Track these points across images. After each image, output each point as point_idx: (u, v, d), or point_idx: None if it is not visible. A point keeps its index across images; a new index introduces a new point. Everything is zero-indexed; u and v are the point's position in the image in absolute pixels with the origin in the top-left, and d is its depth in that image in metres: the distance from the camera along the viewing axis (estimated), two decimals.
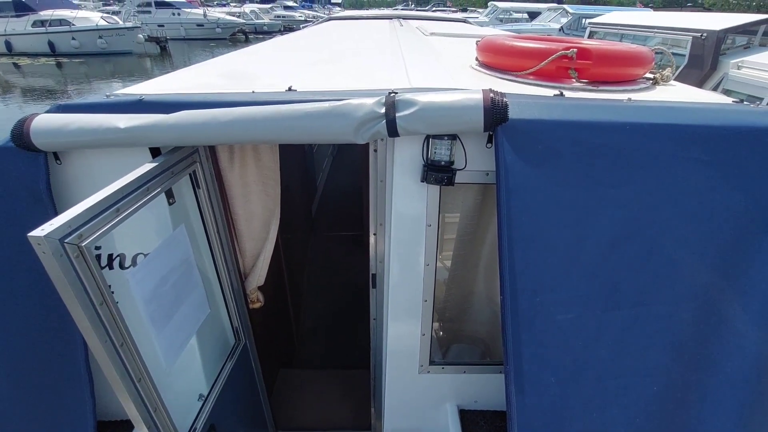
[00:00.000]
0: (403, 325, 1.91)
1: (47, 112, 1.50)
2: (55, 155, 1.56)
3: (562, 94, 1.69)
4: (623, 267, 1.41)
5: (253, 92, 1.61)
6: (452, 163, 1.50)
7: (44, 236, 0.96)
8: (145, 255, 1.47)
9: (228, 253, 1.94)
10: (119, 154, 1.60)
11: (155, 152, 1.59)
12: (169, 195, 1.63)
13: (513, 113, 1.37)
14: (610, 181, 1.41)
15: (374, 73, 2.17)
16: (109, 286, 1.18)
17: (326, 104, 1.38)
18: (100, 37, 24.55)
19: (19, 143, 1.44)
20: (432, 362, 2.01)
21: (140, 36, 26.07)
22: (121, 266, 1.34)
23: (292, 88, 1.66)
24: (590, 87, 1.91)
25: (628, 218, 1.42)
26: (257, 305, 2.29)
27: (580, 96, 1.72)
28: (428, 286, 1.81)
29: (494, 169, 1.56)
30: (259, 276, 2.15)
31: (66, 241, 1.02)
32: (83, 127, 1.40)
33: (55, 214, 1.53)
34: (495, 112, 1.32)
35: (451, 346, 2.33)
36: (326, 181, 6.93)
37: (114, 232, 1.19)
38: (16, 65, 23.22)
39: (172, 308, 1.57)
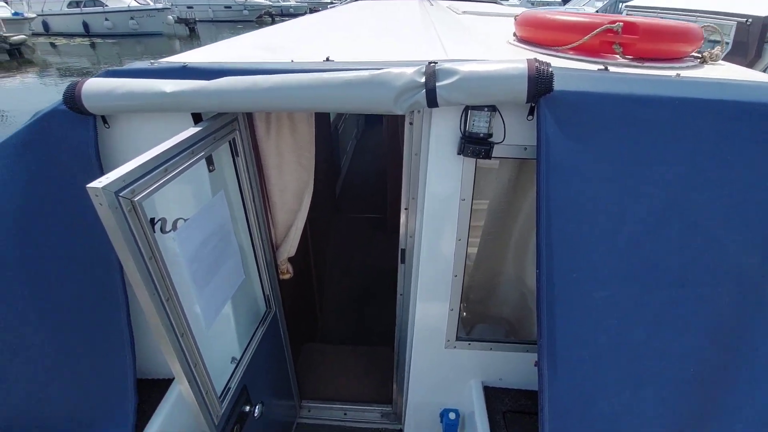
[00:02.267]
0: (431, 299, 1.92)
1: (96, 76, 1.55)
2: (104, 119, 1.61)
3: (606, 69, 1.64)
4: (664, 247, 1.38)
5: (292, 61, 1.62)
6: (490, 135, 1.48)
7: (102, 188, 1.01)
8: (185, 220, 1.52)
9: (262, 222, 1.99)
10: (163, 120, 1.64)
11: (197, 119, 1.63)
12: (210, 162, 1.67)
13: (557, 85, 1.34)
14: (656, 158, 1.37)
15: (409, 47, 2.14)
16: (156, 242, 1.23)
17: (366, 73, 1.38)
18: (132, 18, 25.07)
19: (71, 106, 1.50)
20: (459, 338, 2.02)
21: (170, 17, 26.50)
22: (162, 230, 1.39)
23: (330, 59, 1.66)
24: (635, 63, 1.83)
25: (672, 197, 1.38)
26: (287, 276, 2.35)
27: (626, 72, 1.66)
28: (459, 262, 1.81)
29: (533, 143, 1.53)
30: (290, 247, 2.19)
31: (121, 194, 1.07)
32: (131, 91, 1.45)
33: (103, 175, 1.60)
34: (540, 82, 1.29)
35: (475, 325, 2.34)
36: (350, 164, 6.95)
37: (156, 197, 1.23)
38: (53, 45, 24.01)
39: (212, 271, 1.63)
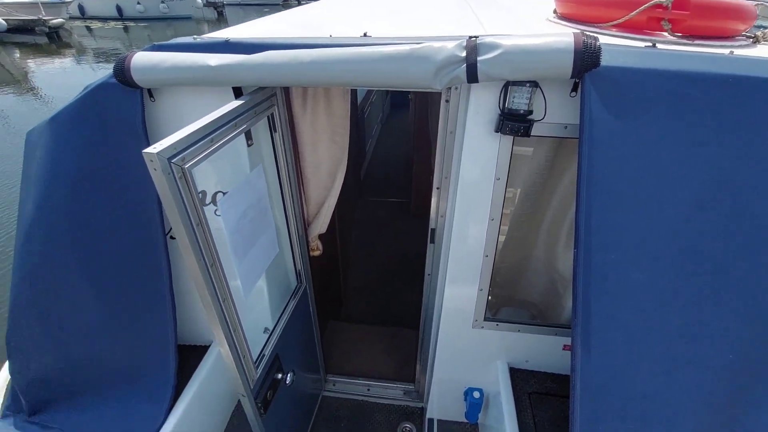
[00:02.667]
0: (460, 279, 1.93)
1: (143, 50, 1.61)
2: (150, 93, 1.67)
3: (654, 46, 1.57)
4: (707, 231, 1.33)
5: (330, 36, 1.63)
6: (530, 112, 1.45)
7: (156, 153, 1.06)
8: (224, 193, 1.58)
9: (296, 198, 2.03)
10: (205, 94, 1.69)
11: (237, 94, 1.67)
12: (249, 136, 1.72)
13: (603, 60, 1.30)
14: (704, 139, 1.32)
15: (446, 23, 2.11)
16: (204, 210, 1.29)
17: (406, 47, 1.37)
18: (162, 2, 25.50)
19: (120, 79, 1.56)
20: (487, 318, 2.03)
21: (199, 1, 26.81)
22: (202, 203, 1.44)
23: (367, 35, 1.66)
24: (685, 41, 1.75)
25: (719, 179, 1.33)
26: (317, 253, 2.40)
27: (675, 49, 1.59)
28: (491, 242, 1.80)
29: (574, 121, 1.50)
30: (321, 224, 2.23)
31: (172, 161, 1.12)
32: (177, 65, 1.49)
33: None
34: (586, 56, 1.25)
35: (500, 308, 2.34)
36: (375, 148, 6.95)
37: (198, 170, 1.27)
38: (88, 28, 24.74)
39: (250, 242, 1.69)
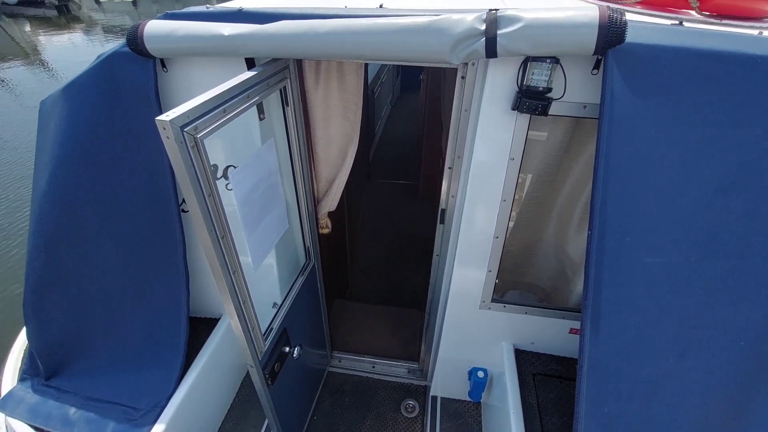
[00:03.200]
0: (470, 259, 1.93)
1: (156, 19, 1.58)
2: (162, 63, 1.66)
3: (681, 24, 1.51)
4: (727, 215, 1.31)
5: (345, 7, 1.58)
6: (549, 90, 1.42)
7: (169, 121, 1.05)
8: (236, 167, 1.57)
9: (306, 174, 2.02)
10: (217, 65, 1.67)
11: (250, 66, 1.64)
12: (260, 110, 1.70)
13: (628, 36, 1.25)
14: (730, 121, 1.28)
15: None
16: (215, 180, 1.28)
17: (424, 19, 1.33)
18: None
19: (133, 47, 1.54)
20: (494, 299, 2.04)
21: None
22: (214, 176, 1.44)
23: (383, 6, 1.61)
24: (713, 20, 1.69)
25: (742, 163, 1.29)
26: (326, 231, 2.40)
27: (702, 28, 1.53)
28: (501, 223, 1.79)
29: (593, 101, 1.46)
30: (331, 201, 2.23)
31: (185, 130, 1.11)
32: (190, 34, 1.47)
33: None
34: (611, 31, 1.20)
35: (507, 291, 2.33)
36: (384, 129, 6.89)
37: (210, 142, 1.26)
38: (97, 1, 24.50)
39: (260, 216, 1.69)
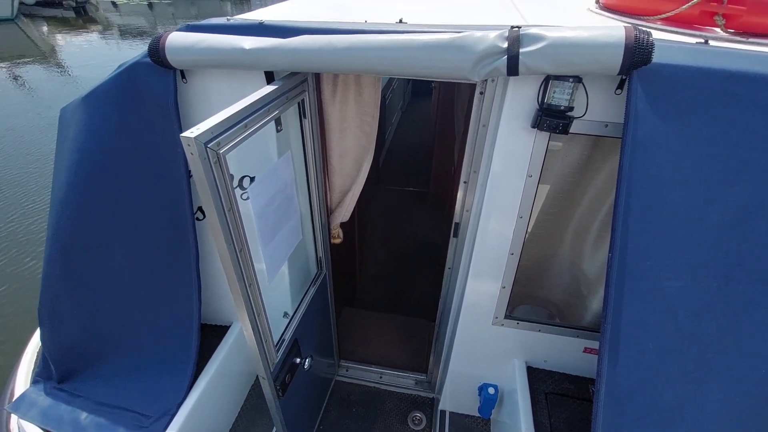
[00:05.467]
0: (484, 274, 1.91)
1: (177, 30, 1.60)
2: (182, 74, 1.67)
3: (707, 43, 1.49)
4: (753, 240, 1.28)
5: (365, 22, 1.59)
6: (571, 109, 1.40)
7: (194, 138, 1.05)
8: (252, 178, 1.58)
9: (321, 186, 2.02)
10: (236, 78, 1.68)
11: (269, 79, 1.65)
12: (278, 123, 1.71)
13: (654, 56, 1.23)
14: (757, 143, 1.25)
15: (483, 12, 2.04)
16: (235, 194, 1.29)
17: (446, 35, 1.33)
18: None
19: (155, 58, 1.55)
20: (507, 316, 2.01)
21: None
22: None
23: (403, 21, 1.61)
24: (739, 38, 1.66)
25: None
26: (337, 241, 2.40)
27: (728, 47, 1.51)
28: (517, 240, 1.77)
29: (615, 120, 1.44)
30: (345, 212, 2.23)
31: (208, 146, 1.11)
32: (212, 46, 1.48)
33: (180, 129, 1.67)
34: (637, 52, 1.19)
35: (518, 306, 2.31)
36: (394, 136, 6.89)
37: (230, 153, 1.27)
38: (114, 3, 24.95)
39: (275, 229, 1.69)
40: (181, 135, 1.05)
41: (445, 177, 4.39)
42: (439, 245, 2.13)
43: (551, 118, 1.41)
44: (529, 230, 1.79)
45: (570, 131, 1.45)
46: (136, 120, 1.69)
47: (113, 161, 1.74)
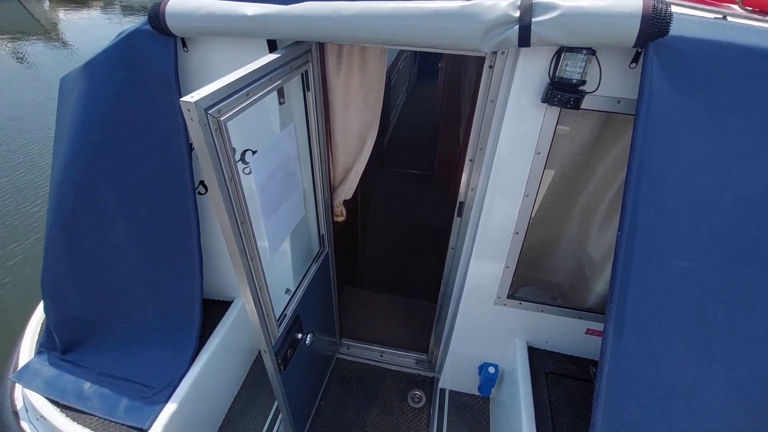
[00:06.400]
0: (487, 254, 1.89)
1: None
2: (183, 42, 1.63)
3: (725, 19, 1.43)
4: (766, 222, 1.25)
5: None
6: (583, 83, 1.36)
7: (194, 102, 1.02)
8: (254, 152, 1.55)
9: (324, 162, 1.99)
10: (238, 47, 1.63)
11: (272, 48, 1.60)
12: (281, 94, 1.67)
13: (671, 29, 1.18)
14: None
15: None
16: (237, 165, 1.26)
17: (455, 3, 1.28)
18: None
19: (155, 25, 1.51)
20: (510, 296, 2.00)
21: None
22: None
23: None
24: (756, 15, 1.60)
25: None
26: (340, 219, 2.38)
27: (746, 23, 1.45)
28: (523, 219, 1.75)
29: (628, 96, 1.40)
30: (348, 189, 2.20)
31: (209, 112, 1.08)
32: (213, 13, 1.43)
33: (180, 97, 1.64)
34: (655, 22, 1.14)
35: (520, 287, 2.30)
36: (398, 118, 6.80)
37: (230, 126, 1.23)
38: None
39: (277, 203, 1.67)
40: (181, 100, 1.02)
41: (450, 160, 4.34)
42: (442, 228, 2.11)
43: (562, 92, 1.37)
44: (534, 209, 1.76)
45: (581, 107, 1.40)
46: (136, 90, 1.66)
47: (113, 133, 1.72)
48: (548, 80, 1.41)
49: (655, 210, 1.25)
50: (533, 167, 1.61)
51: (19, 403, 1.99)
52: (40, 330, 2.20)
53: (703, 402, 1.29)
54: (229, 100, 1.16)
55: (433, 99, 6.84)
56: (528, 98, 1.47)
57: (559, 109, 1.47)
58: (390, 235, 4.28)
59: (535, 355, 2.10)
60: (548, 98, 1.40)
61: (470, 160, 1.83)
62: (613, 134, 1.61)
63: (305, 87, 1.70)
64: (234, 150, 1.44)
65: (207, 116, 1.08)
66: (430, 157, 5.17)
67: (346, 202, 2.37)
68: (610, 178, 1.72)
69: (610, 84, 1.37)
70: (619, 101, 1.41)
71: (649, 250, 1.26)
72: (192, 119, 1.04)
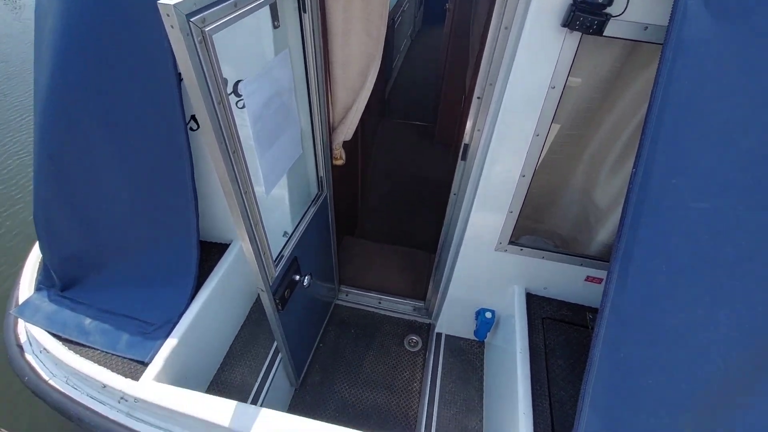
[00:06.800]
0: (491, 198, 1.83)
1: None
2: None
3: None
4: None
5: None
6: (610, 3, 1.22)
7: (173, 5, 0.91)
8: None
9: (322, 97, 1.87)
10: None
11: None
12: (275, 16, 1.52)
13: None
14: None
15: None
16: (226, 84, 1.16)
17: None
18: None
19: None
20: (511, 242, 1.97)
21: None
22: (224, 84, 1.31)
23: None
24: None
25: None
26: (339, 162, 2.30)
27: None
28: (531, 160, 1.67)
29: (657, 22, 1.27)
30: (347, 130, 2.10)
31: (192, 19, 0.97)
32: None
33: None
34: None
35: (521, 236, 2.27)
36: (402, 65, 6.49)
37: (219, 47, 1.12)
38: None
39: (273, 136, 1.58)
40: (159, 2, 0.91)
41: (453, 110, 4.18)
42: (444, 180, 2.03)
43: (586, 14, 1.24)
44: (544, 151, 1.67)
45: (605, 34, 1.28)
46: (116, 12, 1.51)
47: (96, 58, 1.59)
48: (571, 1, 1.27)
49: (675, 146, 1.17)
50: (546, 103, 1.50)
51: (22, 337, 2.01)
52: (39, 268, 2.19)
53: (705, 344, 1.28)
54: (215, 9, 1.04)
55: (438, 47, 6.49)
56: (547, 22, 1.34)
57: (579, 36, 1.34)
58: (391, 187, 4.21)
59: (532, 301, 2.10)
60: (569, 21, 1.27)
61: (478, 98, 1.72)
62: (633, 69, 1.49)
63: (301, 8, 1.55)
64: (226, 81, 1.33)
65: (189, 24, 0.96)
66: (434, 108, 4.98)
67: (346, 148, 2.27)
68: (626, 118, 1.62)
69: (637, 7, 1.24)
70: (646, 27, 1.28)
71: (665, 189, 1.20)
72: (172, 26, 0.93)
